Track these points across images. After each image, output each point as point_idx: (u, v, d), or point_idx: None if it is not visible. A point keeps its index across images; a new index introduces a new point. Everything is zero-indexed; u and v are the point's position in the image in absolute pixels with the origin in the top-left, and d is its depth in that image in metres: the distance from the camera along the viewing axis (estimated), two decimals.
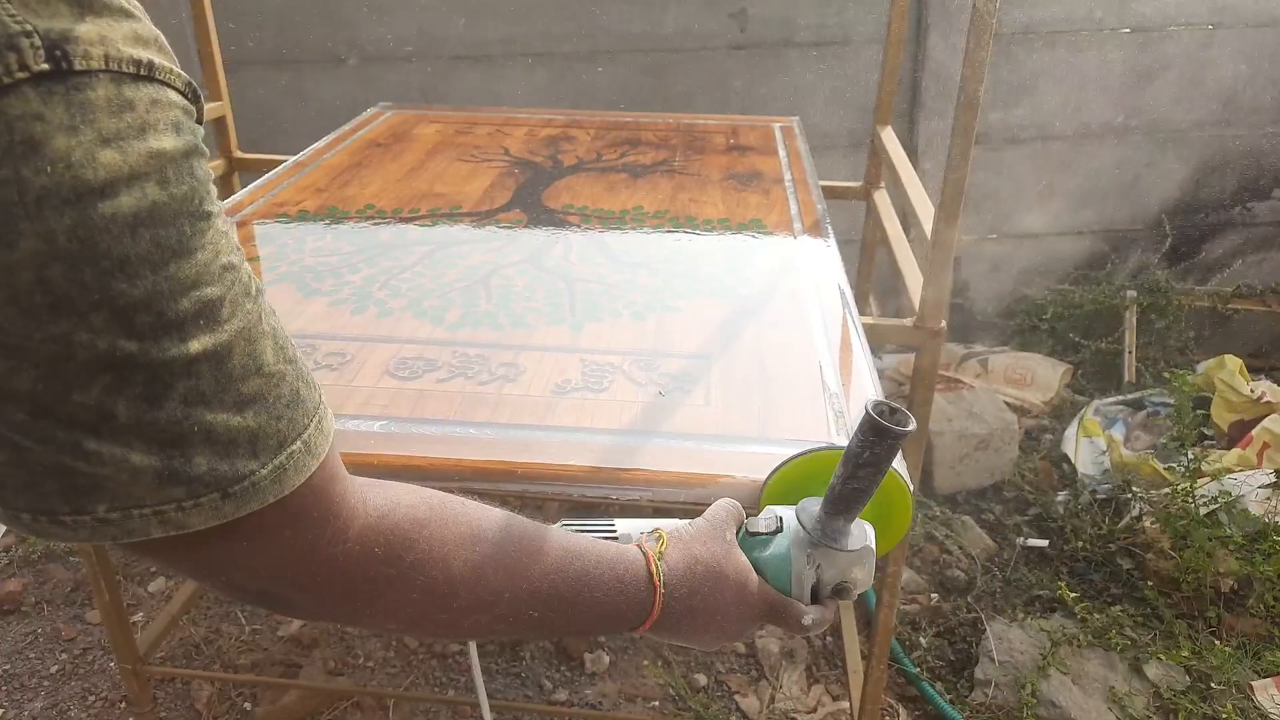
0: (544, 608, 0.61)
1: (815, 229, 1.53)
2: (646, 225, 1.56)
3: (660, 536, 0.69)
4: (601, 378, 1.11)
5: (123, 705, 1.80)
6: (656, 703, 1.84)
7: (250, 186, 1.70)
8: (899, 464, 0.82)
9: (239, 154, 2.06)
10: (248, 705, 1.80)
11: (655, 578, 0.66)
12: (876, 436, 0.65)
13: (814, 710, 1.81)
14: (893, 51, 1.83)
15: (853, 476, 0.68)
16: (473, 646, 0.85)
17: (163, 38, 0.45)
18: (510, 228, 1.54)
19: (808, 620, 0.71)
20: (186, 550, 0.48)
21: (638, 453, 0.97)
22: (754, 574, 0.71)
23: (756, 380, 1.09)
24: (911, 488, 0.83)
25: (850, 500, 0.70)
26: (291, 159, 1.85)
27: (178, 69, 0.45)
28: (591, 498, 0.95)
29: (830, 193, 1.75)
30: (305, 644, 1.93)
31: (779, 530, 0.73)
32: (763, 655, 1.92)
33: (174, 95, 0.44)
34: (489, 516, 0.61)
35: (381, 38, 2.78)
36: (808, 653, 1.94)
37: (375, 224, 1.54)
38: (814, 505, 0.72)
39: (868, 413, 0.65)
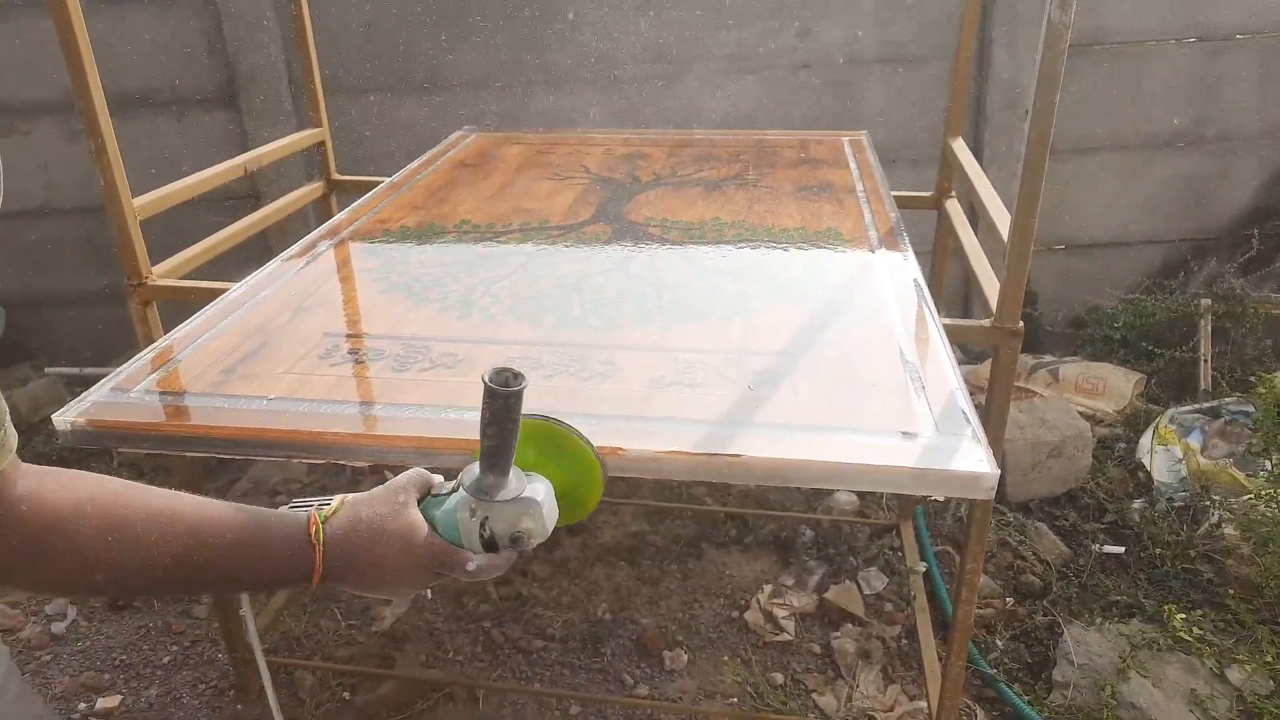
0: (193, 575, 0.74)
1: (890, 235, 1.58)
2: (725, 235, 1.63)
3: (339, 503, 0.81)
4: (693, 374, 1.18)
5: (231, 693, 1.92)
6: (735, 700, 1.88)
7: (352, 206, 1.82)
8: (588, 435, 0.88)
9: (337, 176, 2.19)
10: (347, 694, 1.90)
11: (314, 538, 0.77)
12: (490, 398, 0.75)
13: (891, 709, 1.84)
14: (963, 64, 1.88)
15: (485, 435, 0.77)
16: (248, 611, 0.94)
17: None
18: (596, 239, 1.63)
19: (472, 566, 0.80)
20: None
21: (733, 440, 1.03)
22: (423, 529, 0.80)
23: (842, 375, 1.15)
24: (595, 451, 0.88)
25: (491, 456, 0.78)
26: (387, 180, 1.97)
27: None
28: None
29: (900, 203, 1.80)
30: (398, 638, 2.03)
31: (456, 490, 0.82)
32: (839, 655, 1.96)
33: None
34: (139, 503, 0.74)
35: (459, 65, 2.92)
36: (884, 654, 1.97)
37: (471, 238, 1.64)
38: (475, 466, 0.80)
39: (482, 379, 0.75)
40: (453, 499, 0.82)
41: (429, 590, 0.85)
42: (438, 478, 0.85)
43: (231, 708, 1.88)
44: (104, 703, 1.90)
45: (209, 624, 2.10)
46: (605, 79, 2.93)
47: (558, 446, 0.87)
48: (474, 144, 2.28)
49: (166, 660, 2.02)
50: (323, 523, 0.78)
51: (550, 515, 0.82)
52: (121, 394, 1.14)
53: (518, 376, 0.75)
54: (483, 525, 0.80)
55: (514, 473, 0.80)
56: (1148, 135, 3.03)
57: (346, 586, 0.80)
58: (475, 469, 0.80)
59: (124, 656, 2.03)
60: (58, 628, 2.11)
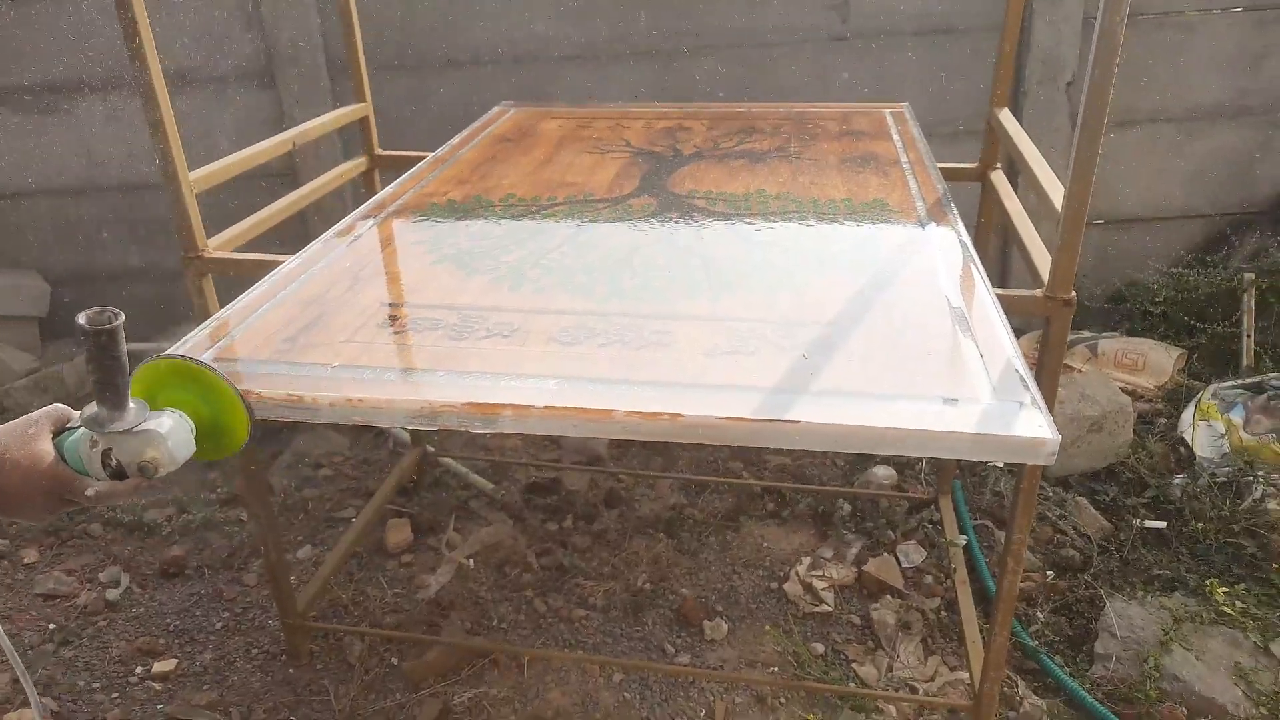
0: None
1: (938, 206, 1.58)
2: (771, 207, 1.63)
3: None
4: (747, 343, 1.19)
5: (283, 658, 1.96)
6: (775, 668, 1.91)
7: (398, 180, 1.83)
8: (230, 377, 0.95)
9: (379, 152, 2.21)
10: (394, 660, 1.94)
11: None
12: (84, 336, 0.81)
13: (932, 679, 1.86)
14: (1010, 33, 1.86)
15: (89, 371, 0.84)
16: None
17: None
18: (642, 212, 1.64)
19: (90, 492, 0.86)
20: None
21: (791, 407, 1.04)
22: (47, 458, 0.85)
23: (897, 343, 1.16)
24: (234, 387, 0.94)
25: (102, 391, 0.84)
26: (431, 155, 1.99)
27: None
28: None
29: (944, 175, 1.79)
30: (444, 606, 2.07)
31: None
32: (879, 626, 1.97)
33: None
34: None
35: (493, 41, 2.92)
36: (923, 625, 1.98)
37: (518, 211, 1.65)
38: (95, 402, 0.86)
39: (77, 320, 0.81)
40: (78, 432, 0.88)
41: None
42: (77, 413, 0.90)
43: (283, 672, 1.93)
44: (160, 666, 1.96)
45: (259, 591, 2.15)
46: (639, 54, 2.92)
47: (200, 384, 0.93)
48: (513, 119, 2.28)
49: (219, 626, 2.07)
50: None
51: (178, 446, 0.88)
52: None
53: (116, 315, 0.81)
54: (107, 455, 0.86)
55: (136, 407, 0.86)
56: (1191, 107, 2.98)
57: None
58: (94, 404, 0.86)
59: (178, 622, 2.09)
60: (112, 594, 2.16)
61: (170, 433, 0.87)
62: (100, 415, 0.85)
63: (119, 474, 0.87)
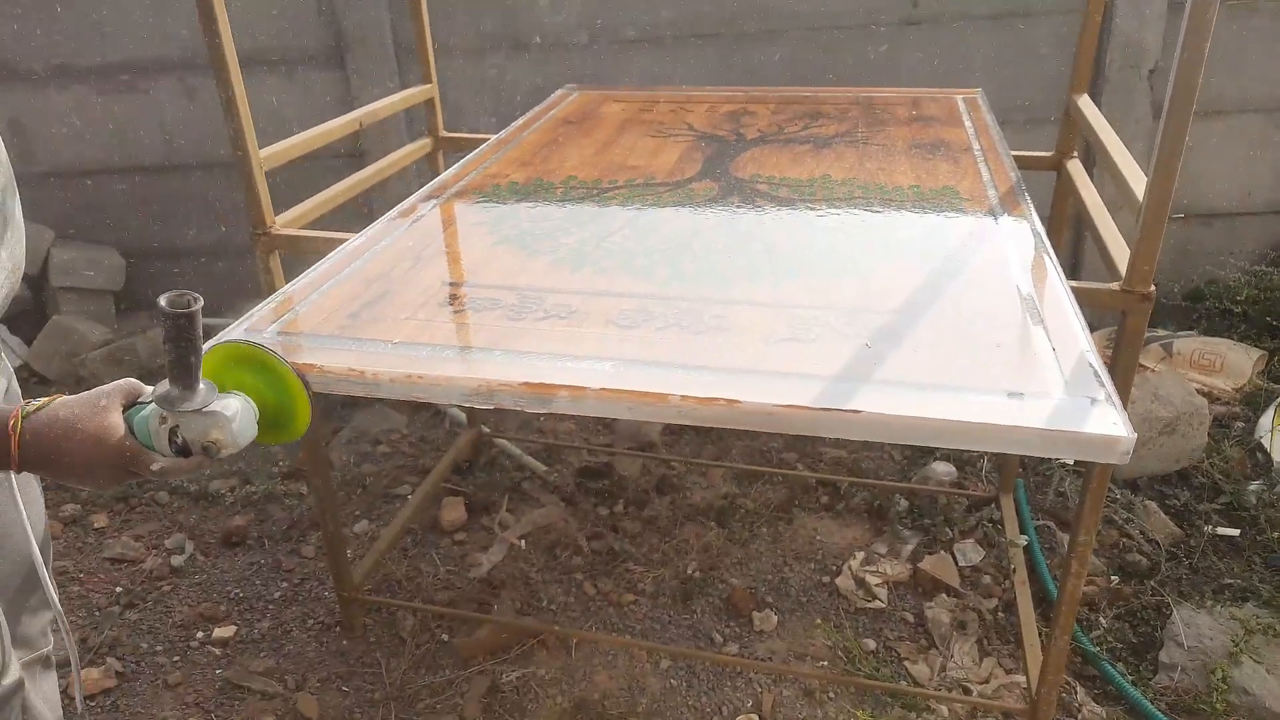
0: None
1: (1010, 195, 1.53)
2: (836, 193, 1.60)
3: (46, 401, 0.88)
4: (808, 329, 1.16)
5: (337, 629, 2.00)
6: (825, 663, 1.88)
7: (462, 161, 1.84)
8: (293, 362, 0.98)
9: (444, 133, 2.22)
10: (445, 636, 1.97)
11: (12, 429, 0.85)
12: (164, 318, 0.83)
13: (987, 681, 1.81)
14: (1090, 17, 1.79)
15: (165, 351, 0.85)
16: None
17: None
18: (704, 196, 1.62)
19: (156, 466, 0.89)
20: None
21: (852, 396, 1.02)
22: (118, 431, 0.88)
23: (965, 334, 1.12)
24: (300, 374, 0.96)
25: (176, 371, 0.86)
26: (494, 137, 1.99)
27: None
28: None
29: (1018, 163, 1.73)
30: (495, 585, 2.09)
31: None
32: (933, 625, 1.93)
33: None
34: None
35: (559, 25, 2.92)
36: (979, 626, 1.94)
37: (579, 193, 1.65)
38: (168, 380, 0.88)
39: (158, 301, 0.83)
40: (149, 408, 0.90)
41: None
42: (147, 388, 0.92)
43: (337, 643, 1.97)
44: (220, 632, 2.01)
45: (316, 563, 2.20)
46: (705, 37, 2.89)
47: (268, 371, 0.95)
48: (576, 101, 2.28)
49: (277, 595, 2.12)
50: (23, 417, 0.86)
51: (242, 429, 0.91)
52: (256, 334, 1.19)
53: (195, 299, 0.83)
54: (174, 432, 0.88)
55: (206, 388, 0.89)
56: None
57: (47, 475, 0.89)
58: (166, 382, 0.88)
59: (238, 590, 2.14)
60: (177, 560, 2.23)
61: (236, 416, 0.90)
62: (172, 394, 0.87)
63: (184, 451, 0.89)
